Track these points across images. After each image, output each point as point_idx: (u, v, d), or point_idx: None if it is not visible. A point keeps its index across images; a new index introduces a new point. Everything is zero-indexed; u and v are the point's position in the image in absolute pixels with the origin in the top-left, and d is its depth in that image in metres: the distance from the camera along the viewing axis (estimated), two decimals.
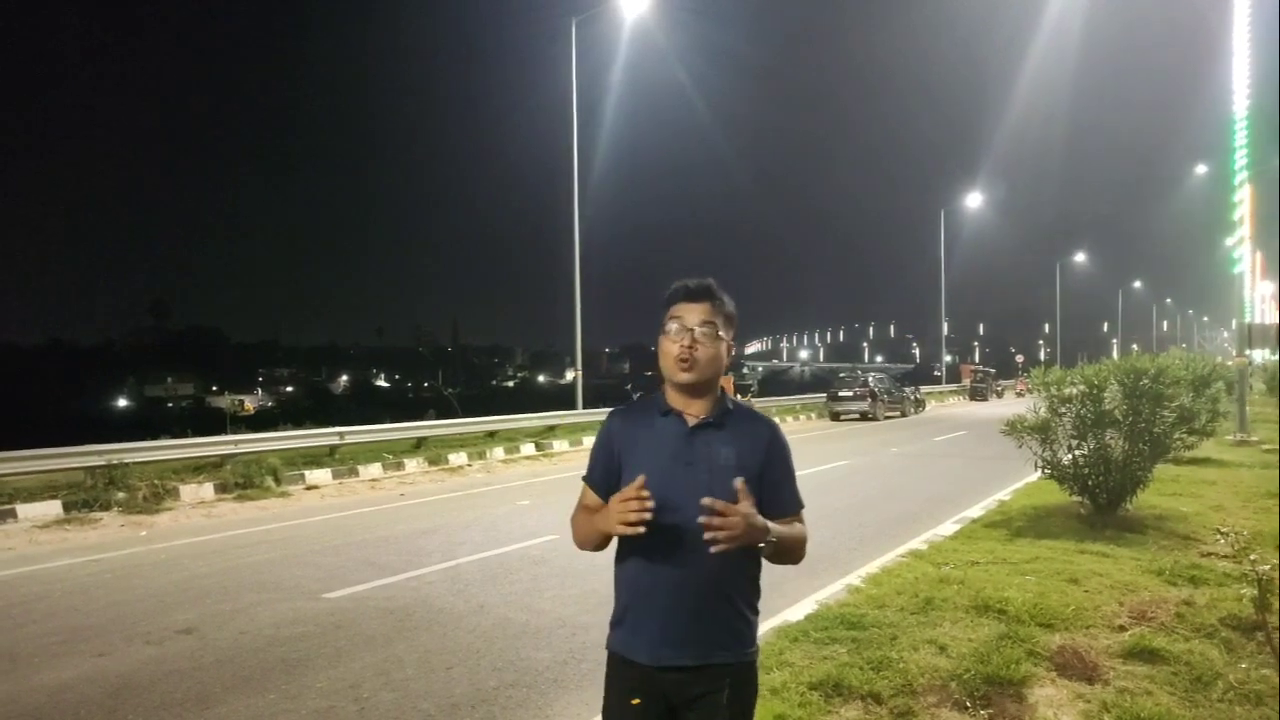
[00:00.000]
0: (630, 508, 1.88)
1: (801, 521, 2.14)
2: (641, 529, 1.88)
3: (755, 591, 2.12)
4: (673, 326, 2.08)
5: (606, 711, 2.14)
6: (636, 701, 2.05)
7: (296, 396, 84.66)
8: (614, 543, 2.10)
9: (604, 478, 2.11)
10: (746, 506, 1.89)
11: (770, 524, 1.95)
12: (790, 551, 2.07)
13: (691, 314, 2.07)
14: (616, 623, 2.12)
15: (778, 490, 2.08)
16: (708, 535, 1.85)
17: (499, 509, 11.04)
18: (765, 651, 4.78)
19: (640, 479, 1.90)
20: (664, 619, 2.02)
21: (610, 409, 2.22)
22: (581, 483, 2.19)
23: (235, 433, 15.71)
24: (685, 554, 1.98)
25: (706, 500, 1.85)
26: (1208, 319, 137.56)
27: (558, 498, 11.83)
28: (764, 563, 2.11)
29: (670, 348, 2.06)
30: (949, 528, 8.65)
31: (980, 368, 53.53)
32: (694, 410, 2.09)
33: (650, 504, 1.88)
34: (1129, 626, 5.13)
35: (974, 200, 49.34)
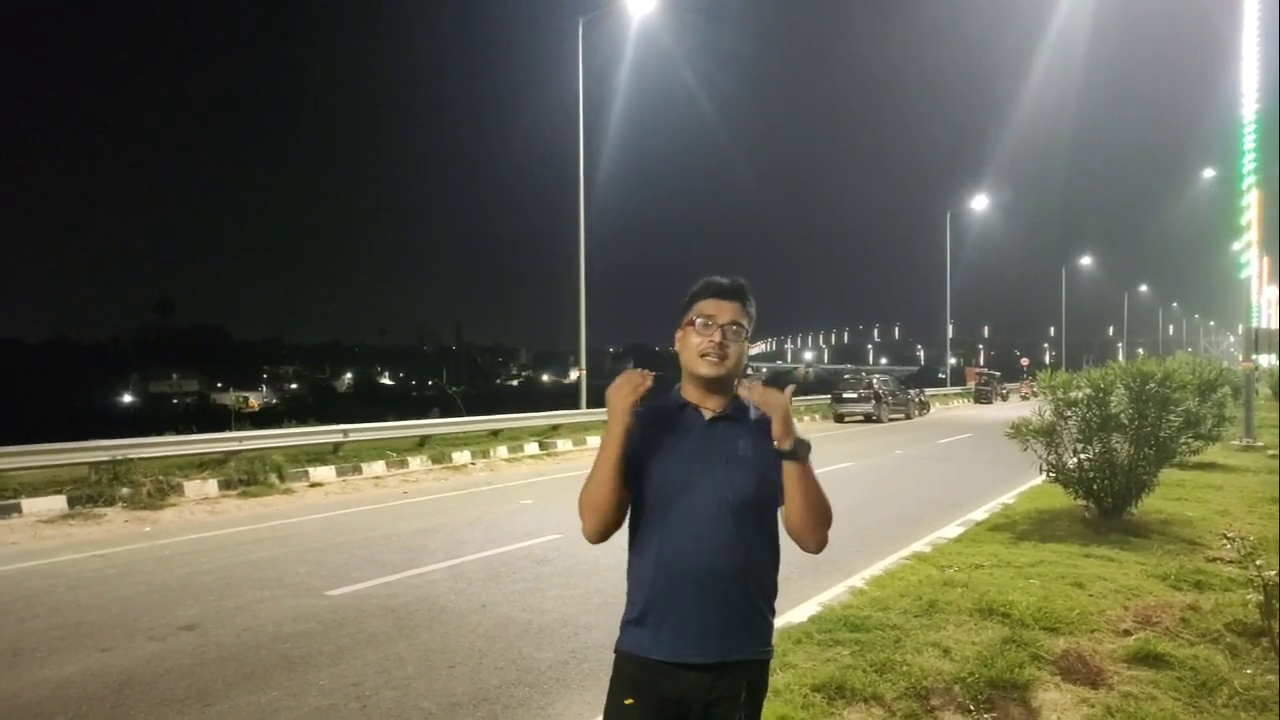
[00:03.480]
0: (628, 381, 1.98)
1: None
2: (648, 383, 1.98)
3: (774, 590, 2.11)
4: (700, 321, 2.07)
5: (610, 713, 2.07)
6: (630, 702, 2.00)
7: (301, 394, 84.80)
8: (624, 543, 2.09)
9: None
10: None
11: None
12: (821, 497, 1.98)
13: (722, 312, 2.07)
14: (634, 621, 2.05)
15: None
16: (756, 400, 1.95)
17: (502, 508, 11.04)
18: None
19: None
20: (689, 614, 1.98)
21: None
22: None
23: (239, 429, 15.73)
24: (709, 547, 1.98)
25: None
26: (1214, 323, 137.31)
27: (561, 497, 11.83)
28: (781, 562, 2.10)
29: (696, 340, 2.06)
30: (953, 530, 8.63)
31: (985, 370, 53.46)
32: (710, 404, 2.08)
33: (651, 379, 1.98)
34: (1134, 631, 5.10)
35: (980, 203, 49.28)
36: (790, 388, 2.00)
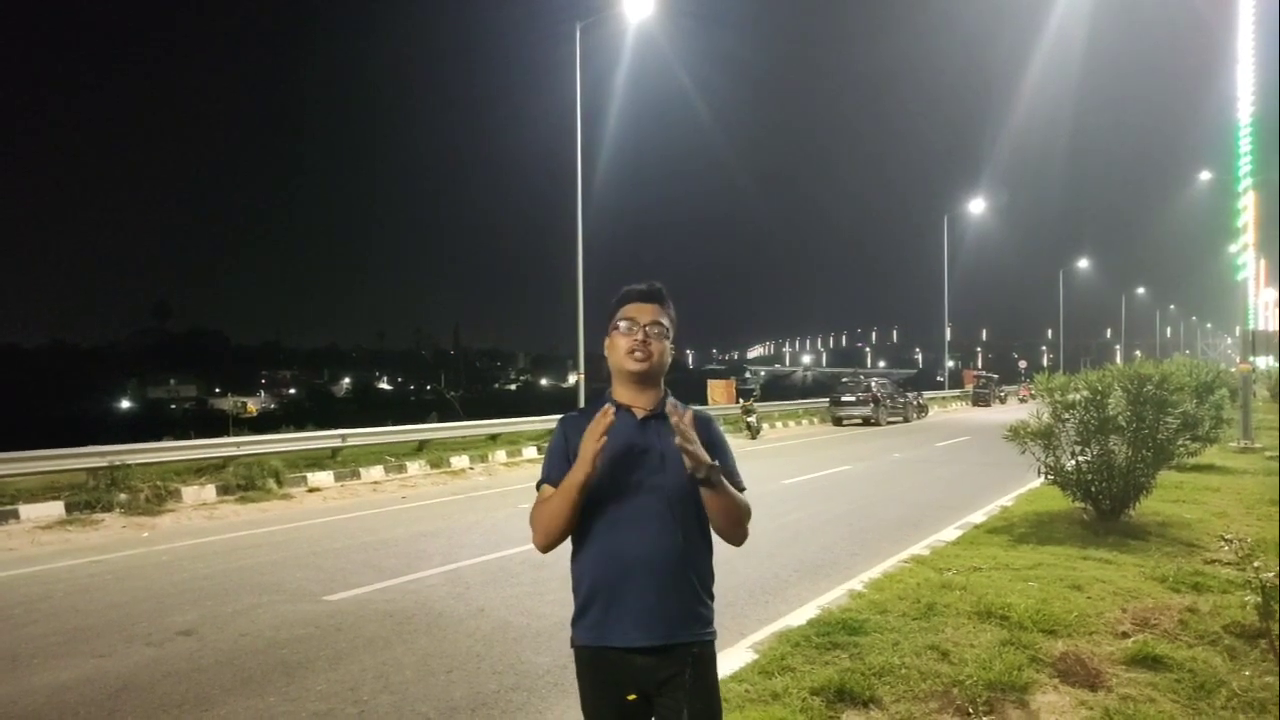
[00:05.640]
0: (600, 426, 2.03)
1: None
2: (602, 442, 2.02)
3: (711, 575, 2.22)
4: (624, 324, 2.21)
5: (591, 710, 2.17)
6: (633, 697, 2.11)
7: (299, 399, 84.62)
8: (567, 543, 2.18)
9: (564, 475, 2.14)
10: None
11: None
12: (734, 506, 2.13)
13: (643, 313, 2.21)
14: (580, 614, 2.16)
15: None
16: (680, 442, 2.00)
17: (500, 512, 11.03)
18: (767, 656, 4.77)
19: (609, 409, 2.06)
20: (632, 600, 2.09)
21: (560, 419, 2.32)
22: (537, 489, 2.21)
23: (237, 434, 15.71)
24: (646, 536, 2.10)
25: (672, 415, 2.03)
26: (1211, 326, 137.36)
27: None
28: (715, 556, 2.20)
29: (623, 341, 2.20)
30: (951, 533, 8.63)
31: (983, 373, 53.47)
32: (641, 403, 2.21)
33: (612, 414, 2.05)
34: (1132, 633, 5.11)
35: (977, 206, 49.30)
36: (686, 414, 2.07)
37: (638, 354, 2.17)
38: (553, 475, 2.17)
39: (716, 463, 2.08)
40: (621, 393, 2.23)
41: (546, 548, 2.16)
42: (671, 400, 2.22)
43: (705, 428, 2.20)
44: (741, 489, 2.22)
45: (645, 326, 2.19)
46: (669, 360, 2.24)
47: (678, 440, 2.01)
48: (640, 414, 2.20)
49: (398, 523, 10.38)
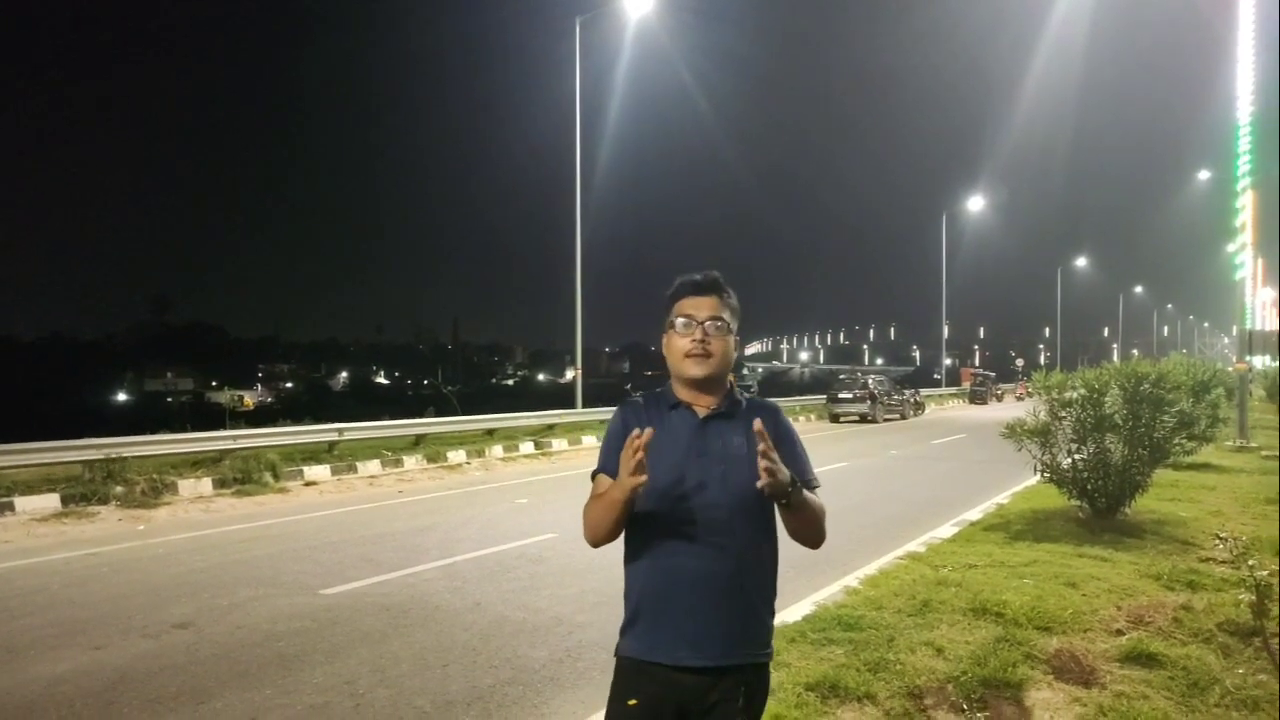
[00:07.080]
0: (631, 456, 1.80)
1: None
2: (643, 477, 1.80)
3: (773, 590, 2.07)
4: (680, 321, 2.04)
5: (612, 716, 2.03)
6: (633, 703, 1.97)
7: (296, 392, 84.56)
8: (621, 540, 2.07)
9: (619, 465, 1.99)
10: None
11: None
12: (813, 518, 1.98)
13: (700, 309, 2.04)
14: (629, 625, 2.02)
15: (792, 466, 1.96)
16: (762, 464, 1.80)
17: (497, 507, 11.04)
18: None
19: (642, 432, 1.81)
20: (683, 616, 1.95)
21: (621, 402, 2.17)
22: (592, 479, 2.07)
23: (234, 428, 15.70)
24: (703, 547, 1.94)
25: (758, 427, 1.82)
26: (1208, 325, 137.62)
27: (556, 496, 11.84)
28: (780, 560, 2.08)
29: (680, 343, 2.03)
30: (947, 530, 8.64)
31: (980, 371, 53.53)
32: (703, 403, 2.06)
33: (642, 440, 1.80)
34: (1126, 631, 5.12)
35: (976, 204, 49.32)
36: (757, 422, 1.86)
37: (696, 355, 2.00)
38: (611, 465, 1.97)
39: (795, 480, 1.89)
40: (682, 391, 2.07)
41: (595, 545, 2.02)
42: (745, 397, 2.07)
43: (773, 419, 2.02)
44: (817, 484, 2.05)
45: (704, 323, 2.01)
46: (734, 357, 2.06)
47: (761, 465, 1.80)
48: (702, 413, 2.04)
49: (394, 517, 10.38)
